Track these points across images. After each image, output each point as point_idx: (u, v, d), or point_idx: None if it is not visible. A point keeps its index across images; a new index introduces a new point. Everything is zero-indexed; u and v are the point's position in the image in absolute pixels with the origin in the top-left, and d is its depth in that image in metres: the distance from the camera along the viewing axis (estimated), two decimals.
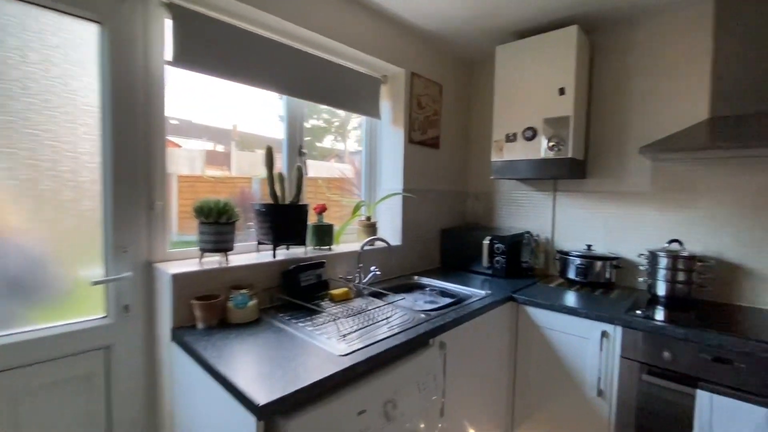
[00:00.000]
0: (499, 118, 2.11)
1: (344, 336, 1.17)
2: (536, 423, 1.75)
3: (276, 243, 1.53)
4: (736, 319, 1.49)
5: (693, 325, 1.39)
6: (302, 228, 1.60)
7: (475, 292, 1.80)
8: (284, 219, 1.53)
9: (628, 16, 1.90)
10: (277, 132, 1.78)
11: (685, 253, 1.69)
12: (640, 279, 1.85)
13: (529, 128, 1.98)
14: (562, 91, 1.87)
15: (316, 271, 1.55)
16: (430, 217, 2.32)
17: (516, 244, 2.15)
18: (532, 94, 1.97)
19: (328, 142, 2.13)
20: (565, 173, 1.89)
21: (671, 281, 1.69)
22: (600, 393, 1.55)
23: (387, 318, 1.35)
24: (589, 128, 2.09)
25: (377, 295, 1.65)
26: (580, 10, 1.83)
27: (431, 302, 1.74)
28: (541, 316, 1.71)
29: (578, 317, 1.59)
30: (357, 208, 1.99)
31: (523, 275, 2.16)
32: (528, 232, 2.23)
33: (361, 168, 2.20)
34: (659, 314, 1.52)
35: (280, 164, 1.77)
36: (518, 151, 2.03)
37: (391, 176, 2.15)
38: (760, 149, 1.49)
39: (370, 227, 1.98)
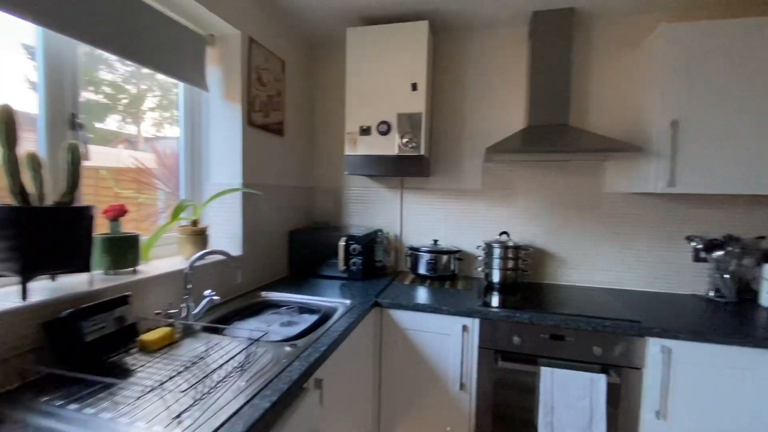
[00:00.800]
0: (352, 109, 1.93)
1: (178, 417, 0.73)
2: (402, 429, 1.68)
3: (28, 273, 0.89)
4: (553, 296, 1.77)
5: (526, 306, 1.56)
6: (82, 244, 1.00)
7: (338, 302, 1.58)
8: (43, 231, 0.91)
9: (467, 24, 2.03)
10: (27, 98, 1.08)
11: (511, 243, 1.92)
12: (478, 269, 2.02)
13: (383, 122, 1.88)
14: (414, 87, 1.84)
15: (113, 313, 0.99)
16: (276, 218, 1.95)
17: (371, 243, 2.04)
18: (386, 86, 1.88)
19: (112, 123, 1.46)
20: (418, 171, 1.88)
21: (503, 269, 1.90)
22: (462, 386, 1.58)
23: (240, 366, 0.96)
24: (431, 127, 2.16)
25: (217, 329, 1.21)
26: (430, 8, 1.83)
27: (290, 324, 1.41)
28: (405, 318, 1.63)
29: (441, 314, 1.58)
30: (178, 209, 1.44)
31: (378, 275, 2.07)
32: (380, 230, 2.15)
33: (175, 156, 1.63)
34: (502, 301, 1.66)
35: (34, 144, 1.08)
36: (373, 146, 1.90)
37: (225, 167, 1.67)
38: (555, 155, 1.82)
39: (199, 235, 1.47)
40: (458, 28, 2.07)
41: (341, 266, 1.93)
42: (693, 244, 1.82)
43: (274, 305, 1.60)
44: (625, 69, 1.88)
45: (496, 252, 1.90)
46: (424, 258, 2.01)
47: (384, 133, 1.88)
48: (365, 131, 1.91)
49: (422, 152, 1.84)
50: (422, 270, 2.01)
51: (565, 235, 2.02)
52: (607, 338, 1.43)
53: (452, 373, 1.59)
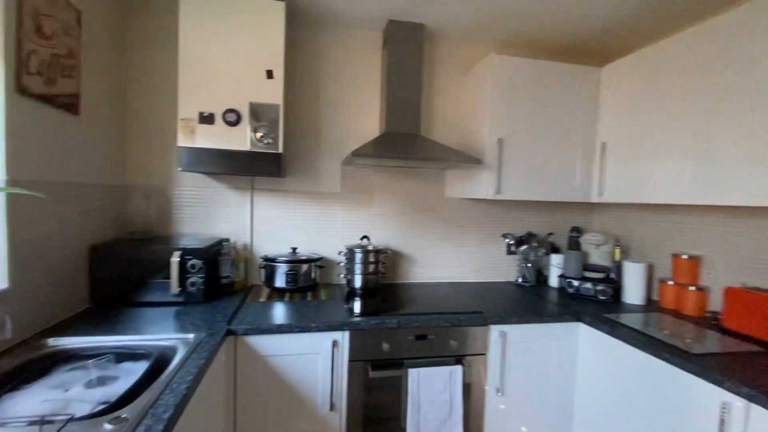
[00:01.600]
0: (187, 89, 1.55)
1: None
2: None
3: None
4: (409, 295, 1.86)
5: (389, 309, 1.58)
6: None
7: (176, 338, 1.22)
8: None
9: (324, 16, 1.91)
10: None
11: (371, 247, 1.93)
12: (340, 275, 1.95)
13: (231, 110, 1.57)
14: (270, 74, 1.61)
15: None
16: (70, 230, 1.38)
17: (215, 256, 1.70)
18: (235, 68, 1.58)
19: None
20: (274, 170, 1.65)
21: (365, 273, 1.88)
22: (332, 407, 1.47)
23: None
24: (287, 124, 1.96)
25: None
26: None
27: (104, 383, 0.99)
28: (266, 344, 1.40)
29: (310, 333, 1.43)
30: None
31: (225, 294, 1.74)
32: (226, 240, 1.82)
33: None
34: (368, 307, 1.63)
35: None
36: (218, 138, 1.57)
37: None
38: (407, 161, 1.91)
39: None
40: (316, 20, 1.94)
41: (175, 289, 1.52)
42: (507, 240, 2.23)
43: (72, 357, 1.11)
44: (462, 89, 2.14)
45: (358, 257, 1.87)
46: (282, 269, 1.80)
47: (232, 124, 1.58)
48: (207, 119, 1.56)
49: (280, 150, 1.63)
50: (280, 283, 1.80)
51: (415, 237, 2.17)
52: (460, 331, 1.57)
53: (321, 396, 1.46)
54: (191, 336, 1.24)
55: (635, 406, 1.38)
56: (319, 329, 1.43)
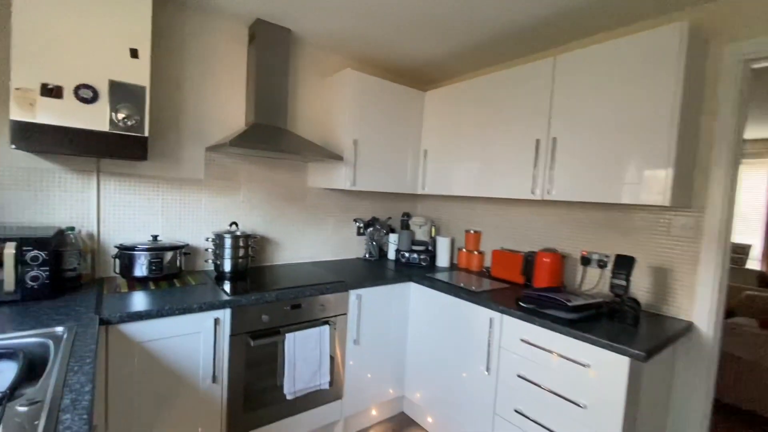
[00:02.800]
0: (24, 54, 1.33)
1: None
2: None
3: None
4: (278, 274, 2.08)
5: (261, 288, 1.80)
6: None
7: (40, 333, 1.14)
8: None
9: (193, 2, 1.87)
10: None
11: (240, 233, 2.05)
12: (207, 261, 2.00)
13: (86, 86, 1.44)
14: (134, 53, 1.53)
15: None
16: None
17: (59, 246, 1.52)
18: (91, 39, 1.44)
19: None
20: (140, 154, 1.59)
21: (235, 257, 2.00)
22: (215, 379, 1.59)
23: None
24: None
25: None
26: None
27: None
28: (143, 330, 1.41)
29: (192, 314, 1.51)
30: None
31: (71, 288, 1.58)
32: (71, 228, 1.62)
33: None
34: (242, 287, 1.79)
35: None
36: (69, 115, 1.41)
37: None
38: (270, 152, 2.10)
39: None
40: (187, 5, 1.88)
41: (10, 285, 1.32)
42: (357, 224, 2.70)
43: None
44: (323, 92, 2.44)
45: (228, 242, 1.97)
46: (144, 258, 1.73)
47: (88, 101, 1.44)
48: (53, 92, 1.38)
49: (146, 133, 1.58)
50: (141, 272, 1.73)
51: (280, 222, 2.37)
52: (327, 298, 1.92)
53: (203, 371, 1.56)
54: (59, 329, 1.17)
55: (444, 330, 2.04)
56: (201, 309, 1.53)
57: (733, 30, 1.55)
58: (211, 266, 2.05)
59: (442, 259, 2.61)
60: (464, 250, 2.58)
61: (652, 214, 1.78)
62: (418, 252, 2.58)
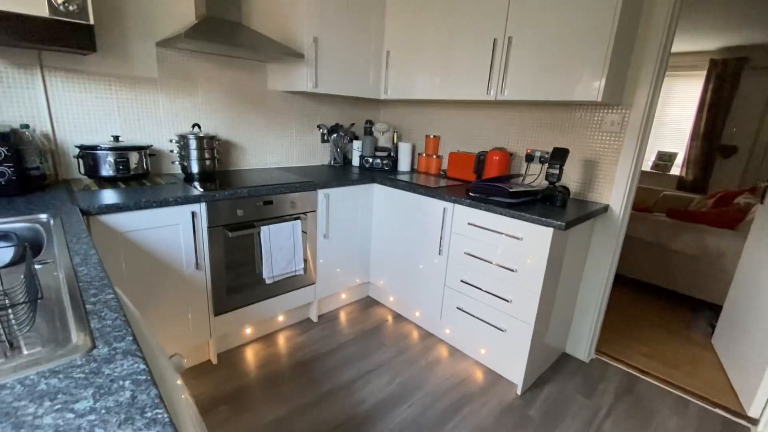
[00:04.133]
0: None
1: None
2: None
3: None
4: (247, 177, 2.16)
5: (231, 187, 1.90)
6: None
7: (25, 219, 1.20)
8: None
9: None
10: None
11: (203, 134, 2.05)
12: (173, 162, 2.02)
13: None
14: None
15: None
16: None
17: (19, 145, 1.49)
18: None
19: None
20: (87, 43, 1.49)
21: (201, 159, 2.03)
22: (197, 266, 1.76)
23: None
24: None
25: None
26: None
27: None
28: (123, 221, 1.50)
29: (169, 207, 1.60)
30: None
31: (39, 187, 1.59)
32: (26, 125, 1.57)
33: None
34: (211, 187, 1.88)
35: None
36: None
37: None
38: (227, 49, 2.03)
39: None
40: None
41: None
42: (321, 131, 2.74)
43: None
44: None
45: (193, 143, 1.98)
46: (110, 157, 1.74)
47: None
48: None
49: (91, 20, 1.48)
50: (107, 171, 1.75)
51: (242, 127, 2.37)
52: (297, 196, 2.06)
53: (186, 258, 1.71)
54: (44, 216, 1.24)
55: (404, 223, 2.29)
56: (177, 203, 1.62)
57: None
58: (178, 169, 2.08)
59: (404, 164, 2.78)
60: (424, 155, 2.74)
61: (588, 112, 1.99)
62: (381, 157, 2.71)
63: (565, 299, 2.02)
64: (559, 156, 1.83)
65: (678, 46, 4.48)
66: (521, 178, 2.28)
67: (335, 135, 2.75)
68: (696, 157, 4.73)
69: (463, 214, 1.94)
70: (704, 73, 4.58)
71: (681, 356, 2.25)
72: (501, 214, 1.76)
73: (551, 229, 1.61)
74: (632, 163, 1.87)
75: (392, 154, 2.80)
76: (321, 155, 2.84)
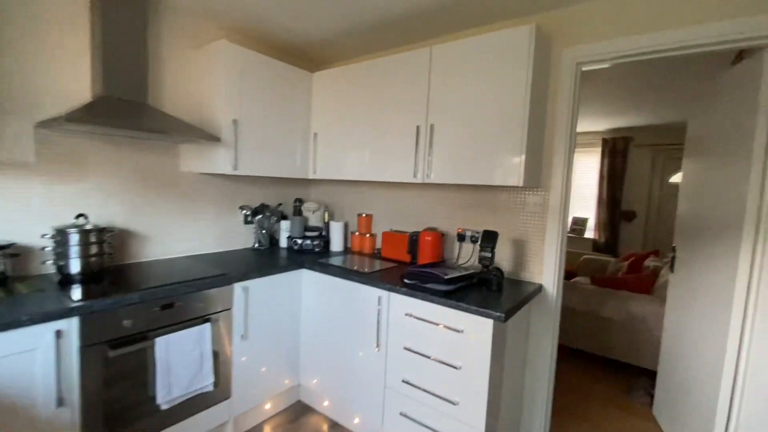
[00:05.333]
0: None
1: None
2: None
3: None
4: (145, 273, 1.82)
5: (122, 290, 1.57)
6: None
7: None
8: None
9: None
10: None
11: (90, 227, 1.72)
12: (46, 262, 1.64)
13: None
14: None
15: None
16: None
17: None
18: None
19: None
20: None
21: (86, 256, 1.68)
22: (60, 402, 1.33)
23: None
24: None
25: None
26: None
27: None
28: None
29: (21, 328, 1.22)
30: None
31: None
32: None
33: None
34: (96, 290, 1.52)
35: None
36: None
37: None
38: (132, 131, 1.82)
39: None
40: None
41: None
42: (244, 212, 2.52)
43: None
44: (196, 65, 2.16)
45: (74, 238, 1.64)
46: None
47: None
48: None
49: None
50: None
51: (146, 213, 2.07)
52: (207, 294, 1.76)
53: (44, 394, 1.29)
54: None
55: (337, 314, 2.06)
56: (34, 321, 1.25)
57: (569, 36, 1.84)
58: (53, 269, 1.69)
59: (336, 244, 2.62)
60: (357, 233, 2.62)
61: (512, 194, 2.04)
62: (312, 238, 2.53)
63: (513, 392, 1.87)
64: (489, 239, 1.81)
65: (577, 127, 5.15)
66: (455, 260, 2.23)
67: (260, 216, 2.54)
68: (604, 222, 5.24)
69: (400, 303, 1.79)
70: (599, 149, 5.28)
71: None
72: (438, 303, 1.63)
73: (491, 321, 1.50)
74: (557, 242, 1.90)
75: (324, 233, 2.64)
76: (244, 238, 2.58)
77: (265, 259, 2.24)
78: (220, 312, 1.82)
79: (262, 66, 2.19)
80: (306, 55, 2.71)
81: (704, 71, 2.63)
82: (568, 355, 3.13)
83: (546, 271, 1.94)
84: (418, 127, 2.01)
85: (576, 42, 1.82)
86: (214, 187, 2.38)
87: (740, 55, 2.03)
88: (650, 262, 3.57)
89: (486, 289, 1.77)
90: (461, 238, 2.17)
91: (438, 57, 1.92)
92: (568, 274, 4.17)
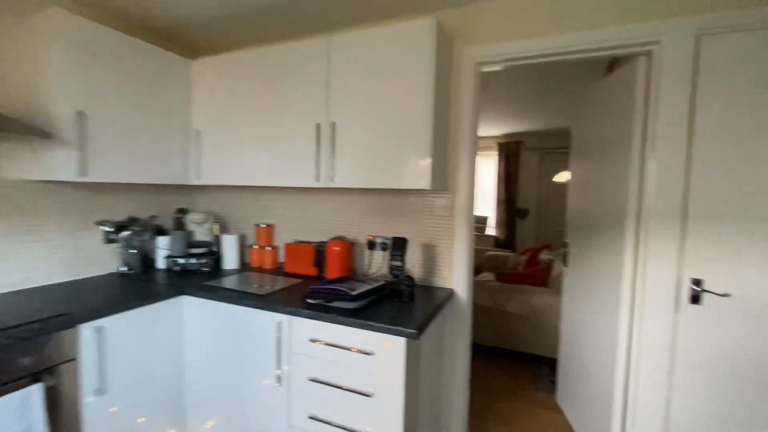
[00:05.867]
0: None
1: None
2: None
3: None
4: None
5: None
6: None
7: None
8: None
9: None
10: None
11: None
12: None
13: None
14: None
15: None
16: None
17: None
18: None
19: None
20: None
21: None
22: None
23: None
24: None
25: None
26: None
27: None
28: None
29: None
30: None
31: None
32: None
33: None
34: None
35: None
36: None
37: None
38: None
39: None
40: None
41: None
42: (104, 228, 2.01)
43: None
44: (27, 40, 1.63)
45: None
46: None
47: None
48: None
49: None
50: None
51: None
52: (36, 343, 1.30)
53: None
54: None
55: (229, 346, 1.72)
56: None
57: (469, 35, 1.81)
58: None
59: (230, 261, 2.25)
60: (255, 246, 2.30)
61: (420, 198, 1.96)
62: (198, 256, 2.14)
63: (431, 405, 1.77)
64: (399, 246, 1.68)
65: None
66: (367, 270, 2.07)
67: (128, 232, 2.05)
68: (502, 219, 5.65)
69: (303, 328, 1.55)
70: (496, 152, 5.68)
71: (537, 426, 2.26)
72: (346, 324, 1.44)
73: (403, 339, 1.36)
74: (466, 245, 1.87)
75: (214, 249, 2.26)
76: (106, 261, 2.06)
77: (134, 287, 1.80)
78: (59, 365, 1.36)
79: (121, 47, 1.75)
80: (188, 42, 2.30)
81: (584, 80, 2.92)
82: (478, 352, 3.22)
83: (457, 275, 1.89)
84: (318, 125, 1.79)
85: (475, 41, 1.80)
86: (57, 199, 1.84)
87: (612, 66, 2.25)
88: (544, 256, 3.89)
89: (398, 301, 1.64)
90: (371, 245, 2.02)
91: (338, 48, 1.74)
92: (475, 271, 4.35)
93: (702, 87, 1.45)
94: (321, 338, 1.51)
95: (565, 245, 2.39)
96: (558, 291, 2.93)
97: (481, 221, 5.92)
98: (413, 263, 1.98)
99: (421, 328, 1.37)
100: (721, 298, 1.45)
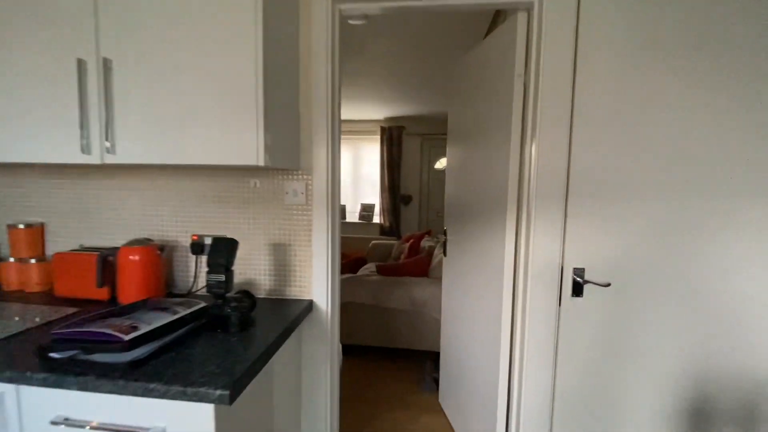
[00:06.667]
0: None
1: None
2: None
3: None
4: None
5: None
6: None
7: None
8: None
9: None
10: None
11: None
12: None
13: None
14: None
15: None
16: None
17: None
18: None
19: None
20: None
21: None
22: None
23: None
24: None
25: None
26: None
27: None
28: None
29: None
30: None
31: None
32: None
33: None
34: None
35: None
36: None
37: None
38: None
39: None
40: None
41: None
42: None
43: None
44: None
45: None
46: None
47: None
48: None
49: None
50: None
51: None
52: None
53: None
54: None
55: None
56: None
57: None
58: None
59: None
60: (12, 260, 1.48)
61: (265, 179, 1.44)
62: None
63: None
64: (221, 252, 1.14)
65: (355, 114, 5.10)
66: (192, 285, 1.47)
67: None
68: (387, 206, 5.46)
69: (42, 402, 0.90)
70: (379, 137, 5.42)
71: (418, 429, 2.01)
72: (113, 390, 0.86)
73: (211, 406, 0.85)
74: (327, 241, 1.43)
75: None
76: None
77: None
78: None
79: None
80: None
81: (463, 53, 2.74)
82: (360, 355, 2.89)
83: (316, 281, 1.45)
84: (81, 63, 1.12)
85: None
86: None
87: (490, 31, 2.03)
88: (425, 242, 3.75)
89: (222, 332, 1.11)
90: (198, 249, 1.44)
91: None
92: (359, 261, 4.03)
93: (583, 40, 1.26)
94: (74, 416, 0.89)
95: (444, 233, 2.16)
96: (439, 280, 2.76)
97: (368, 209, 5.65)
98: (259, 271, 1.47)
99: (239, 385, 0.88)
100: (604, 288, 1.32)
